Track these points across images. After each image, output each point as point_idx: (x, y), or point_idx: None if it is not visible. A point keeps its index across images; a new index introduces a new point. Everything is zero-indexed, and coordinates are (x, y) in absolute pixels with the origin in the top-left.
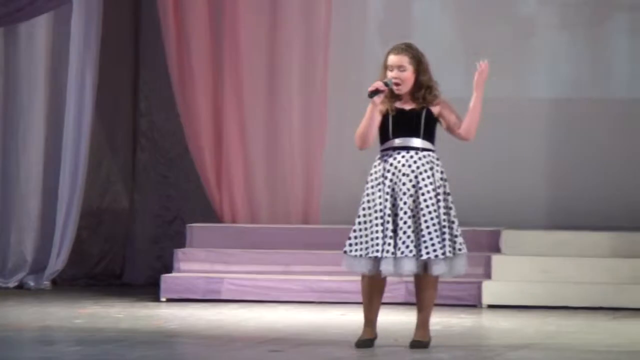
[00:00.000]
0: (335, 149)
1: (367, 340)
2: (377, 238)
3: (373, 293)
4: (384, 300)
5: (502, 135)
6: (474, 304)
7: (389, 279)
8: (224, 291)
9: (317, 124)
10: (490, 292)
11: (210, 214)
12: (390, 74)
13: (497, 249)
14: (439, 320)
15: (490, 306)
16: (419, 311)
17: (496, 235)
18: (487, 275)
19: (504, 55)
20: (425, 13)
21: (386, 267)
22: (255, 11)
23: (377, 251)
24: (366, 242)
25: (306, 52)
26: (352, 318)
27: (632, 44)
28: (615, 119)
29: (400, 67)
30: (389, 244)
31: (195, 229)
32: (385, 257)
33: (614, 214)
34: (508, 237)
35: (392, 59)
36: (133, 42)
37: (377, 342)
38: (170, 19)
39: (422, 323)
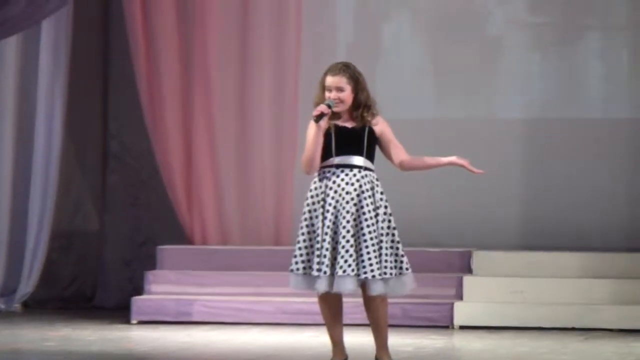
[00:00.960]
0: None
1: None
2: (318, 256)
3: (330, 312)
4: (346, 322)
5: (473, 156)
6: (445, 325)
7: (349, 300)
8: (195, 313)
9: (288, 145)
10: (462, 313)
11: (181, 236)
12: (328, 95)
13: (468, 270)
14: (410, 342)
15: (462, 327)
16: (375, 333)
17: (467, 256)
18: (459, 296)
19: (474, 75)
20: (395, 34)
21: (321, 286)
22: (225, 33)
23: (312, 269)
24: (308, 260)
25: (276, 74)
26: (324, 340)
27: (604, 64)
28: (587, 139)
29: (338, 88)
30: (324, 263)
31: (166, 251)
32: (321, 275)
33: (585, 234)
34: (479, 258)
35: (330, 80)
36: (102, 63)
37: None
38: (139, 41)
39: (381, 344)
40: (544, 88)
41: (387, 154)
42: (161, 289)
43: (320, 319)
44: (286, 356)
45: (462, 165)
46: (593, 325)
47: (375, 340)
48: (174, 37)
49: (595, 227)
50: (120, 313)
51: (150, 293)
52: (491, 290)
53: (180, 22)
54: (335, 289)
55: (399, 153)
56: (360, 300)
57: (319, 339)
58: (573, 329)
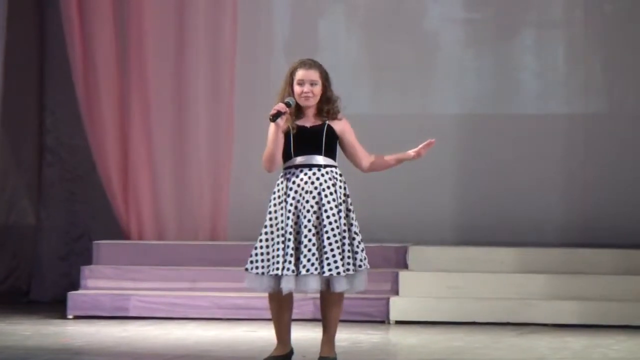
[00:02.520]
0: (243, 165)
1: (275, 357)
2: (278, 256)
3: (281, 311)
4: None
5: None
6: (381, 320)
7: (296, 295)
8: (132, 308)
9: (224, 140)
10: (398, 308)
11: (118, 231)
12: (300, 89)
13: (404, 265)
14: (346, 337)
15: (398, 322)
16: (325, 328)
17: (403, 251)
18: (395, 291)
19: (410, 71)
20: (331, 30)
21: (286, 285)
22: (161, 27)
23: (278, 269)
24: (268, 259)
25: (212, 68)
26: (260, 334)
27: (538, 60)
28: (522, 134)
29: (311, 82)
30: (290, 262)
31: (102, 245)
32: (286, 274)
33: (520, 230)
34: (415, 253)
35: (303, 73)
36: (38, 57)
37: None
38: (75, 34)
39: (329, 339)
40: (479, 84)
41: (349, 157)
42: (97, 283)
43: (256, 313)
44: (222, 351)
45: (418, 153)
46: (528, 320)
47: (324, 334)
48: (110, 31)
49: (530, 223)
50: (56, 308)
51: (86, 288)
52: (427, 285)
53: (116, 16)
54: (299, 288)
55: (362, 157)
56: (299, 296)
57: (256, 333)
58: (508, 323)
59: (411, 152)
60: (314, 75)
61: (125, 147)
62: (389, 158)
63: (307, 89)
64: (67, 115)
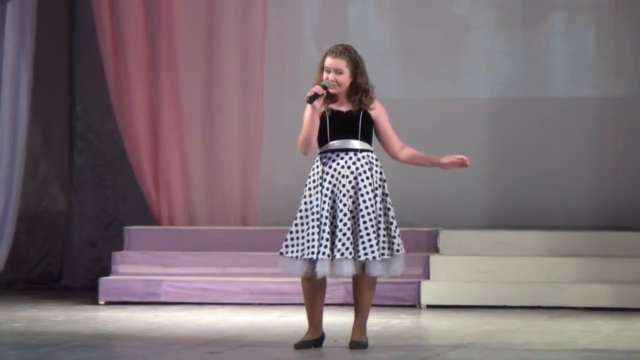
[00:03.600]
0: (273, 150)
1: (306, 341)
2: (313, 240)
3: (314, 295)
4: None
5: (439, 136)
6: (413, 304)
7: (328, 280)
8: (163, 294)
9: (254, 125)
10: (429, 292)
11: (148, 217)
12: (326, 76)
13: (435, 249)
14: (378, 321)
15: (429, 306)
16: (357, 312)
17: (434, 236)
18: (426, 275)
19: (440, 56)
20: (361, 15)
21: (321, 269)
22: (192, 15)
23: (313, 253)
24: (302, 243)
25: (242, 56)
26: (291, 319)
27: (568, 43)
28: (552, 118)
29: (337, 70)
30: (325, 246)
31: (133, 231)
32: (321, 259)
33: (551, 213)
34: (446, 237)
35: (330, 61)
36: (68, 44)
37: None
38: (105, 21)
39: (361, 323)
40: (509, 68)
41: (382, 143)
42: (128, 269)
43: (287, 298)
44: (253, 336)
45: (453, 162)
46: (559, 304)
47: (356, 318)
48: (140, 19)
49: (560, 206)
50: (87, 294)
51: (117, 274)
52: (458, 269)
53: (146, 3)
54: (333, 273)
55: (393, 144)
56: (331, 281)
57: (287, 318)
58: (539, 307)
59: (443, 161)
60: (340, 64)
61: (155, 133)
62: (425, 158)
63: (332, 77)
64: (97, 101)
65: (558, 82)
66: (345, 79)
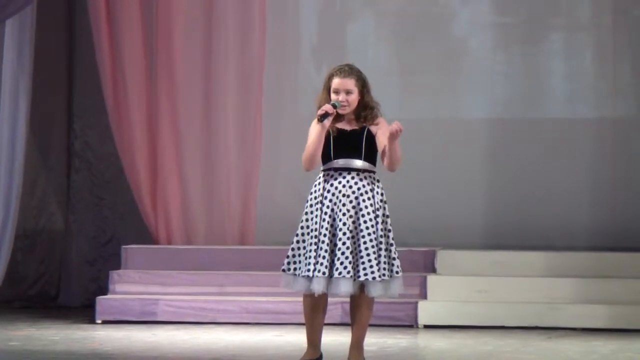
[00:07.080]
0: (271, 170)
1: None
2: (310, 257)
3: (314, 313)
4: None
5: (437, 156)
6: (410, 324)
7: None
8: (160, 313)
9: (252, 145)
10: (426, 312)
11: (146, 236)
12: (336, 97)
13: (432, 269)
14: (375, 341)
15: (427, 326)
16: (355, 332)
17: (431, 255)
18: (423, 295)
19: (438, 76)
20: (360, 36)
21: (317, 287)
22: (190, 33)
23: (309, 270)
24: (300, 261)
25: (241, 75)
26: (288, 339)
27: (567, 64)
28: (551, 138)
29: (347, 91)
30: (321, 264)
31: (131, 250)
32: (317, 276)
33: (549, 233)
34: (443, 257)
35: (338, 82)
36: (67, 63)
37: None
38: (104, 40)
39: (357, 343)
40: (508, 88)
41: (381, 156)
42: (126, 288)
43: (284, 318)
44: (251, 355)
45: (390, 137)
46: (556, 324)
47: (353, 338)
48: (138, 37)
49: (558, 227)
50: (84, 312)
51: (114, 293)
52: (455, 289)
53: (145, 22)
54: (331, 291)
55: (383, 157)
56: (336, 299)
57: (284, 338)
58: (536, 327)
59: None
60: (349, 83)
61: (153, 152)
62: (387, 153)
63: (342, 97)
64: (95, 120)
65: (557, 102)
66: (354, 98)
